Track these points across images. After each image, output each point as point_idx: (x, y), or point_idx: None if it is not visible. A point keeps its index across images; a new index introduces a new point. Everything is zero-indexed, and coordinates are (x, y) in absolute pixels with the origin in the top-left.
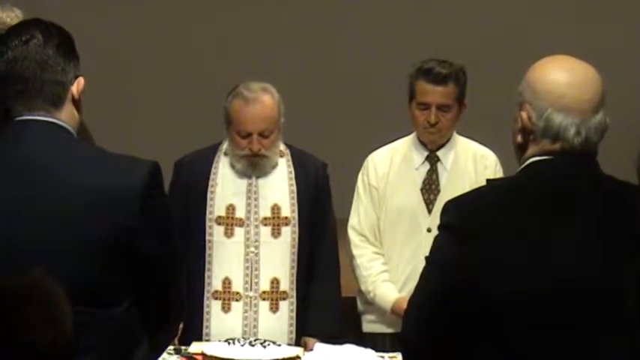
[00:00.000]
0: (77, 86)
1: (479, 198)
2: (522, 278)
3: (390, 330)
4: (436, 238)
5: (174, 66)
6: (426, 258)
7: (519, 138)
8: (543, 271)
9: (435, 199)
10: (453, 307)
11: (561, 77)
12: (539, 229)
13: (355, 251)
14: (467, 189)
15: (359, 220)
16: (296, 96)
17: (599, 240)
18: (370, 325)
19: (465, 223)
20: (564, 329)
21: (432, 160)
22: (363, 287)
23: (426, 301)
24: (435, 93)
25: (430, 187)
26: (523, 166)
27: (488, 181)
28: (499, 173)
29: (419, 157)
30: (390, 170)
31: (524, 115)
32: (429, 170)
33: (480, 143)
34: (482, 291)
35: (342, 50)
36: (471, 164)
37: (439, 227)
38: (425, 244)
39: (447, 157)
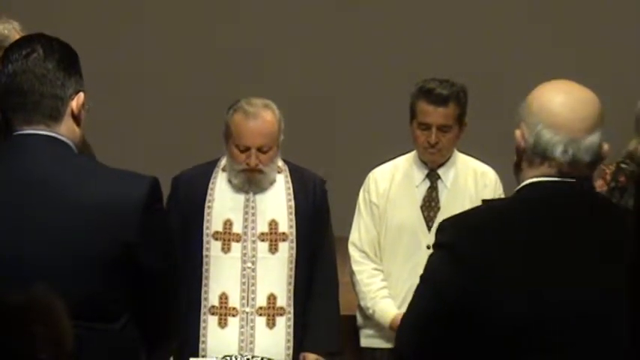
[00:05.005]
0: (77, 101)
1: (474, 218)
2: (516, 300)
3: (388, 345)
4: (430, 257)
5: (173, 84)
6: (420, 276)
7: (516, 157)
8: (537, 294)
9: (435, 217)
10: (445, 326)
11: (555, 97)
12: (534, 252)
13: (355, 267)
14: (467, 206)
15: (359, 236)
16: (295, 113)
17: (595, 264)
18: (368, 339)
19: (459, 242)
20: (558, 353)
21: (433, 177)
22: (362, 303)
23: (418, 320)
24: (435, 114)
25: (430, 205)
26: (519, 187)
27: (483, 201)
28: (499, 191)
29: (419, 174)
30: (390, 187)
31: (518, 133)
32: (429, 188)
33: (482, 161)
34: (475, 311)
35: (341, 69)
36: (472, 182)
37: (434, 246)
38: (424, 261)
39: (447, 174)
